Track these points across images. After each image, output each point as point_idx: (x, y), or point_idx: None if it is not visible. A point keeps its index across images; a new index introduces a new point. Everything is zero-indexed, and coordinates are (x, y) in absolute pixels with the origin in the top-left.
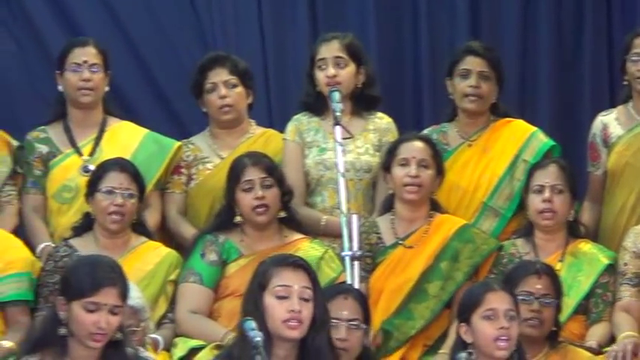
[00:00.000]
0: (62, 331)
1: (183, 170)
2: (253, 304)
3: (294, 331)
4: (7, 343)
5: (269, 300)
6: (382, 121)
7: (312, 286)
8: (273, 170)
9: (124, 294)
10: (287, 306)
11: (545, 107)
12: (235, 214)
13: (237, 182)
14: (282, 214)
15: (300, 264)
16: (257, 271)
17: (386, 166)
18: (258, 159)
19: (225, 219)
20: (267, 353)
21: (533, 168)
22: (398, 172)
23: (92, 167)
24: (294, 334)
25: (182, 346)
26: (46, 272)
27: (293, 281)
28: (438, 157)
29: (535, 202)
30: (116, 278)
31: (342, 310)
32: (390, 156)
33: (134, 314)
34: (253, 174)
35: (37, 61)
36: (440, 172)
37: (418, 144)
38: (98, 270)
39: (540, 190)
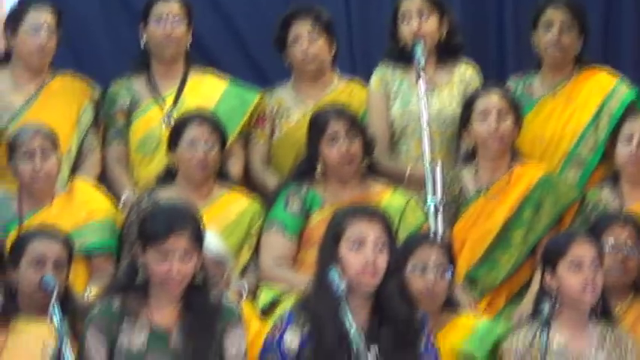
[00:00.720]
0: (141, 277)
1: (266, 122)
2: (329, 254)
3: (370, 281)
4: (92, 292)
5: (344, 250)
6: (467, 72)
7: (387, 235)
8: (356, 121)
9: (195, 239)
10: (362, 256)
11: (629, 58)
12: (316, 167)
13: (322, 134)
14: (365, 164)
15: (374, 213)
16: (332, 221)
17: (465, 119)
18: (341, 110)
19: (306, 171)
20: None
21: (624, 117)
22: (478, 125)
23: (174, 119)
24: (370, 284)
25: (266, 295)
26: (129, 223)
27: (368, 231)
28: (516, 107)
29: (623, 150)
30: (187, 224)
31: (429, 256)
32: (468, 109)
33: (217, 265)
34: (338, 125)
35: (121, 14)
36: (518, 122)
37: (496, 96)
38: (168, 217)
39: (629, 138)
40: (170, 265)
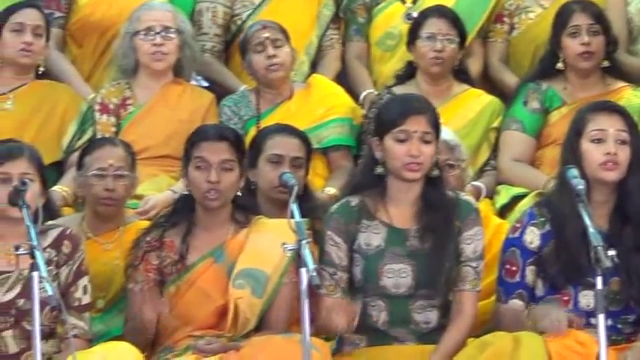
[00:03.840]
0: (379, 170)
1: (505, 19)
2: (571, 150)
3: (611, 173)
4: (331, 190)
5: (585, 145)
6: None
7: (628, 129)
8: (601, 17)
9: (433, 123)
10: (603, 149)
11: None
12: (558, 60)
13: (564, 27)
14: (606, 64)
15: (615, 108)
16: (574, 118)
17: None
18: (587, 5)
19: (548, 65)
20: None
21: None
22: None
23: (415, 14)
24: (611, 177)
25: (505, 194)
26: (369, 120)
27: (608, 125)
28: None
29: None
30: (424, 107)
31: None
32: None
33: (450, 150)
34: (580, 19)
35: None
36: None
37: None
38: (405, 102)
39: None
40: (410, 145)
